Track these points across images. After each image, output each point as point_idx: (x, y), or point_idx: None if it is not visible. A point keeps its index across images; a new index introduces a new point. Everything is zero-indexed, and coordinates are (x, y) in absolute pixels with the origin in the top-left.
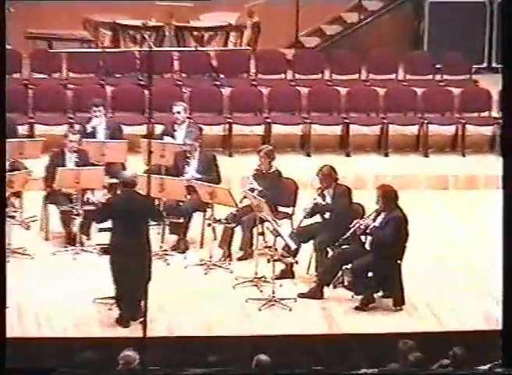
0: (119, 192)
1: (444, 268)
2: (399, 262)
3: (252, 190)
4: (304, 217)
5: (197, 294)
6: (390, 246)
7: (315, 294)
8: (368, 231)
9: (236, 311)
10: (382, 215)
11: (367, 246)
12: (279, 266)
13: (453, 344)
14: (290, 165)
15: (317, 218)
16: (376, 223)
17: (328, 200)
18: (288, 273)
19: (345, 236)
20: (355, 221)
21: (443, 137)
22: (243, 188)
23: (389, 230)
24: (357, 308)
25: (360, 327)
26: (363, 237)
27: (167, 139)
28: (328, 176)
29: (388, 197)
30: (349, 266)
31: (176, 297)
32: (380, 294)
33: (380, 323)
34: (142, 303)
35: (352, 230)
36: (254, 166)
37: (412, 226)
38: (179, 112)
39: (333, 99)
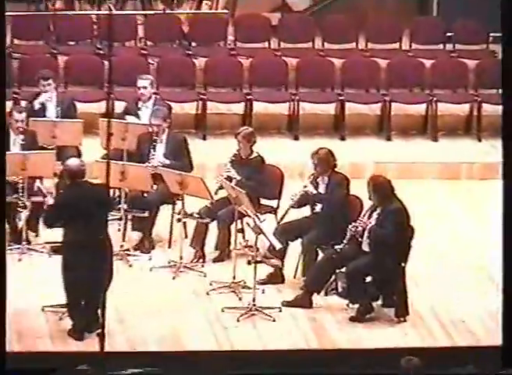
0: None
1: (454, 270)
2: (402, 264)
3: (230, 179)
4: (291, 206)
5: (164, 302)
6: (391, 245)
7: (303, 302)
8: (367, 231)
9: (211, 322)
10: (378, 210)
11: (364, 246)
12: (263, 269)
13: (465, 361)
14: (275, 150)
15: (306, 211)
16: (372, 220)
17: (322, 189)
18: (276, 278)
19: (343, 238)
20: (351, 225)
21: (455, 117)
22: (218, 177)
23: (387, 226)
24: (352, 319)
25: (357, 341)
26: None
27: (130, 119)
28: (325, 161)
29: (381, 189)
30: (343, 270)
31: (140, 305)
32: (380, 302)
33: (380, 336)
34: (99, 312)
35: (349, 233)
36: (232, 150)
37: (417, 222)
38: (144, 87)
39: (326, 72)
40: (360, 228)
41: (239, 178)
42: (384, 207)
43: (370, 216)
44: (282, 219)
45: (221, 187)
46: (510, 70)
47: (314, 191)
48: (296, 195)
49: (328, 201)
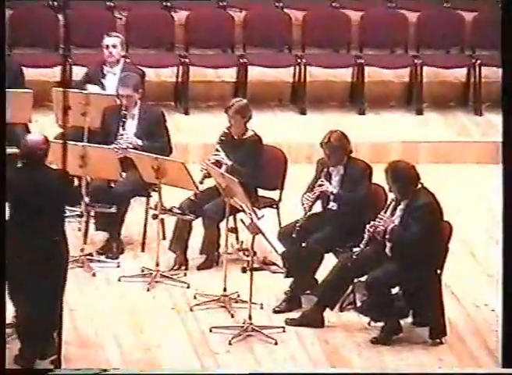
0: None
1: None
2: (437, 271)
3: (218, 164)
4: (306, 213)
5: (136, 320)
6: (421, 248)
7: (313, 320)
8: (388, 232)
9: (195, 345)
10: (402, 205)
11: (388, 250)
12: (262, 279)
13: None
14: (276, 127)
15: (316, 206)
16: (396, 219)
17: (336, 183)
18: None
19: (361, 240)
20: (370, 223)
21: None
22: (204, 162)
23: (414, 225)
24: (375, 341)
25: (380, 368)
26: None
27: (92, 88)
28: (339, 149)
29: (403, 179)
30: (363, 279)
31: (106, 324)
32: (410, 320)
33: (410, 362)
34: (55, 333)
35: (367, 234)
36: (222, 128)
37: (457, 218)
38: (113, 46)
39: (340, 28)
40: (381, 228)
41: (230, 163)
42: (409, 201)
43: (393, 213)
44: (299, 230)
45: (207, 176)
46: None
47: (335, 190)
48: (309, 198)
49: (351, 200)
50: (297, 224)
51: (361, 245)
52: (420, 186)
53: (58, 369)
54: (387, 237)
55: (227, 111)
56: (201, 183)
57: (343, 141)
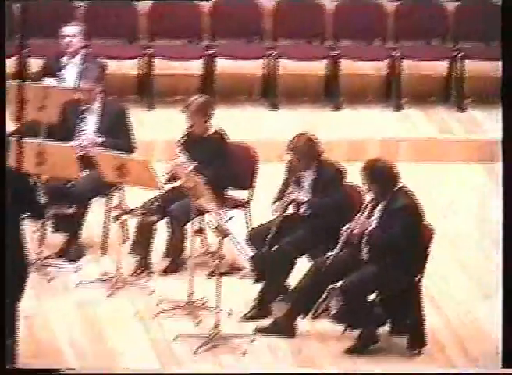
0: None
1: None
2: (417, 277)
3: (183, 164)
4: (277, 222)
5: (96, 328)
6: (400, 252)
7: (285, 328)
8: (365, 235)
9: (159, 354)
10: (380, 206)
11: (365, 254)
12: (230, 284)
13: None
14: (246, 123)
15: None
16: (373, 221)
17: (307, 188)
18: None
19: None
20: (346, 226)
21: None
22: (169, 161)
23: (393, 228)
24: (350, 351)
25: None
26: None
27: (49, 81)
28: (307, 153)
29: (381, 178)
30: (338, 285)
31: (63, 332)
32: (387, 328)
33: (387, 372)
34: (8, 342)
35: (342, 237)
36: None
37: (439, 220)
38: (73, 36)
39: (314, 18)
40: (357, 230)
41: (192, 166)
42: (388, 202)
43: (371, 215)
44: (273, 238)
45: (172, 179)
46: None
47: (305, 198)
48: (278, 208)
49: (324, 207)
50: (270, 234)
51: (336, 249)
52: (399, 186)
53: (58, 370)
54: (364, 240)
55: (186, 110)
56: (167, 183)
57: (311, 144)
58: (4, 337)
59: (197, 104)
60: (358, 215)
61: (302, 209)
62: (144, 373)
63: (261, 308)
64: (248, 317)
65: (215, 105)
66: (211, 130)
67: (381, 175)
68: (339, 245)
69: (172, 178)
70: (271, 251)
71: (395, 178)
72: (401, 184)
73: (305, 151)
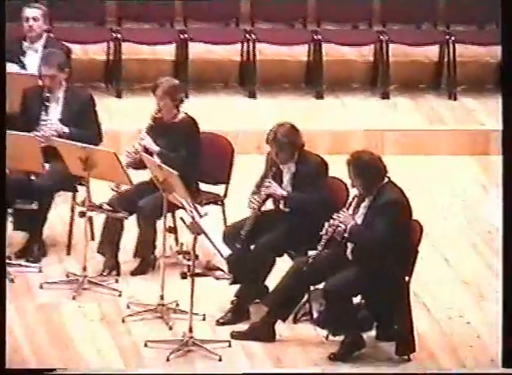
0: None
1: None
2: (405, 278)
3: (147, 152)
4: (253, 217)
5: (60, 333)
6: (386, 252)
7: (263, 333)
8: (348, 232)
9: (128, 361)
10: (366, 202)
11: (349, 252)
12: (204, 285)
13: None
14: (221, 112)
15: (267, 203)
16: (359, 217)
17: (287, 182)
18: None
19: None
20: (329, 223)
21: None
22: (129, 149)
23: (378, 224)
24: (334, 358)
25: None
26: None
27: (10, 67)
28: (287, 144)
29: (367, 172)
30: (320, 287)
31: (25, 336)
32: (374, 333)
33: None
34: None
35: (325, 236)
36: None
37: (430, 217)
38: (34, 19)
39: (295, 0)
40: (341, 227)
41: (157, 149)
42: (374, 198)
43: (356, 211)
44: (247, 235)
45: (134, 164)
46: None
47: (284, 192)
48: (256, 201)
49: (303, 202)
50: (244, 229)
51: (319, 247)
52: (386, 180)
53: (59, 369)
54: (347, 237)
55: (154, 91)
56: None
57: (292, 135)
58: (4, 337)
59: (166, 86)
60: (342, 210)
61: (282, 205)
62: (143, 373)
63: (237, 312)
64: (223, 321)
65: (186, 89)
66: (181, 115)
67: (367, 168)
68: (321, 244)
69: (136, 163)
70: (248, 251)
71: (382, 172)
72: (388, 178)
73: (286, 142)
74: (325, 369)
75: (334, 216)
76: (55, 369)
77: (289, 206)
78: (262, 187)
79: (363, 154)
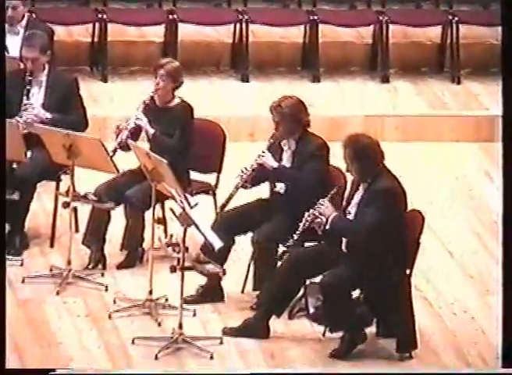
0: None
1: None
2: (406, 272)
3: (138, 132)
4: (238, 187)
5: (42, 329)
6: (386, 243)
7: (256, 329)
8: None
9: (115, 359)
10: (361, 189)
11: (345, 245)
12: (195, 279)
13: None
14: (213, 96)
15: (262, 191)
16: (353, 207)
17: (287, 160)
18: (213, 292)
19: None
20: (307, 213)
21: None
22: (120, 128)
23: (370, 213)
24: (332, 355)
25: None
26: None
27: None
28: (290, 117)
29: (364, 156)
30: (317, 280)
31: (6, 334)
32: (373, 329)
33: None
34: None
35: (302, 226)
36: (146, 97)
37: (431, 207)
38: (13, 8)
39: None
40: (320, 219)
41: (152, 131)
42: (368, 185)
43: (350, 199)
44: (224, 206)
45: (123, 146)
46: None
47: (275, 164)
48: (246, 170)
49: (296, 179)
50: (226, 199)
51: (294, 236)
52: (381, 166)
53: (59, 369)
54: (328, 229)
55: (156, 71)
56: (112, 155)
57: (297, 109)
58: (4, 337)
59: (169, 67)
60: (322, 201)
61: (277, 186)
62: (144, 373)
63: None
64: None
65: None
66: (176, 100)
67: (364, 152)
68: (296, 233)
69: (123, 146)
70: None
71: (380, 157)
72: (383, 165)
73: (288, 114)
74: (323, 368)
75: (315, 207)
76: (54, 370)
77: (280, 180)
78: (256, 157)
79: (361, 137)
